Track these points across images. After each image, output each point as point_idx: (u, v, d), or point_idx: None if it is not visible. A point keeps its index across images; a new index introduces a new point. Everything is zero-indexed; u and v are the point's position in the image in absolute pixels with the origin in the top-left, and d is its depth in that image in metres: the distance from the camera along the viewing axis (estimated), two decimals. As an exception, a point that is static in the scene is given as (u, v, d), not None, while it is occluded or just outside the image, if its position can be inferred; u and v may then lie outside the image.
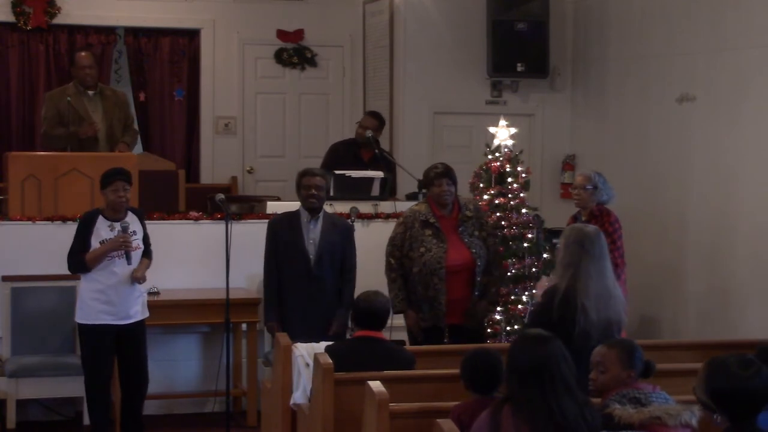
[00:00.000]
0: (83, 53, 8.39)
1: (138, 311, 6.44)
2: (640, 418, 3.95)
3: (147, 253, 6.48)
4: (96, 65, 8.49)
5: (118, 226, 6.30)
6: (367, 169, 8.23)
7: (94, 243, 6.29)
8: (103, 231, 6.30)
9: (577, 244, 5.03)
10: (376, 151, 8.48)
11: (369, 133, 8.43)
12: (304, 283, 6.69)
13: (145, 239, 6.49)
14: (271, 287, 6.76)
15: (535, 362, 3.81)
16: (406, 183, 8.72)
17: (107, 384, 6.50)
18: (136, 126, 8.63)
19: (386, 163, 8.48)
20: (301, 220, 6.78)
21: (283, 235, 6.76)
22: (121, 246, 6.27)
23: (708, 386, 3.50)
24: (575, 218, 7.32)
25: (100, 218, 6.34)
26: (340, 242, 6.79)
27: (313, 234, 6.74)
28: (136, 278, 6.35)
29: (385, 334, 5.50)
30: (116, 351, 6.44)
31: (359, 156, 8.52)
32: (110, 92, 8.42)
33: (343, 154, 8.55)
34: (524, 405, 3.76)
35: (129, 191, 6.34)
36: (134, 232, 6.37)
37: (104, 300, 6.31)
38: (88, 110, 8.17)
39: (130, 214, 6.39)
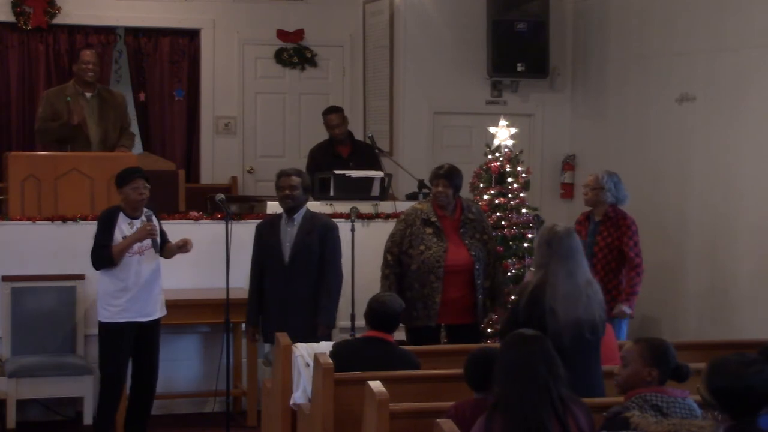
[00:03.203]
0: (88, 51, 8.36)
1: (157, 309, 6.52)
2: (659, 430, 3.78)
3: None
4: (99, 64, 8.44)
5: (137, 223, 6.35)
6: (348, 165, 8.24)
7: (117, 238, 6.35)
8: (124, 227, 6.37)
9: (545, 245, 5.01)
10: (377, 150, 8.48)
11: (370, 133, 8.45)
12: (280, 285, 6.71)
13: (163, 235, 6.58)
14: (252, 290, 6.83)
15: (513, 362, 3.90)
16: (407, 183, 8.72)
17: (123, 383, 6.55)
18: (132, 129, 8.59)
19: (370, 156, 8.48)
20: (281, 221, 6.80)
21: (265, 238, 6.81)
22: (148, 235, 6.33)
23: (710, 384, 3.51)
24: (587, 217, 7.30)
25: (121, 215, 6.39)
26: (317, 242, 6.74)
27: (289, 235, 6.75)
28: (185, 244, 6.48)
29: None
30: (133, 349, 6.51)
31: (337, 154, 8.54)
32: (107, 94, 8.34)
33: (322, 156, 8.56)
34: (503, 404, 3.83)
35: (148, 188, 6.38)
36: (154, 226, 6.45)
37: (127, 298, 6.37)
38: (85, 113, 8.11)
39: (146, 210, 6.45)
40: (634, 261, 7.06)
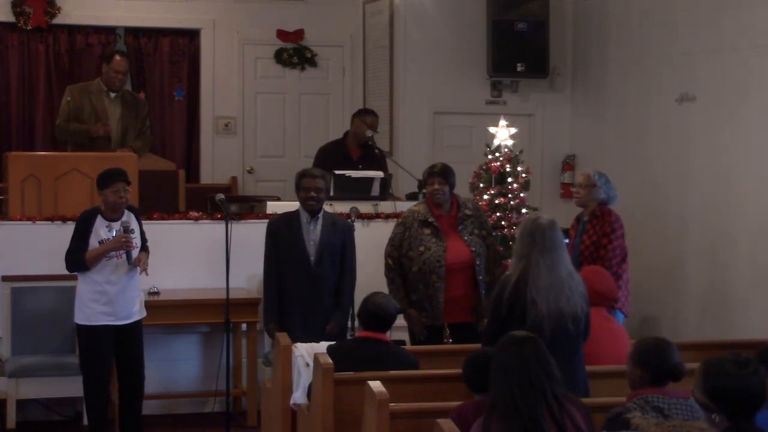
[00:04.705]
0: (119, 57, 8.36)
1: (136, 311, 6.45)
2: None
3: (144, 248, 6.50)
4: (127, 72, 8.50)
5: (116, 225, 6.30)
6: (357, 168, 8.21)
7: (93, 242, 6.29)
8: (101, 231, 6.30)
9: (528, 236, 5.01)
10: (377, 150, 8.47)
11: (369, 133, 8.39)
12: (304, 284, 6.68)
13: (142, 235, 6.51)
14: (270, 289, 6.74)
15: (507, 363, 3.92)
16: (406, 183, 8.72)
17: (106, 385, 6.50)
18: (150, 134, 8.62)
19: (377, 159, 8.45)
20: (301, 220, 6.77)
21: (283, 236, 6.74)
22: (122, 245, 6.27)
23: (705, 385, 3.50)
24: (578, 219, 7.33)
25: (99, 218, 6.34)
26: (340, 242, 6.77)
27: (313, 235, 6.73)
28: (138, 264, 6.34)
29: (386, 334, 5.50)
30: (114, 351, 6.46)
31: (348, 155, 8.48)
32: (131, 97, 8.45)
33: (333, 155, 8.51)
34: (500, 405, 3.86)
35: (129, 192, 6.34)
36: (132, 231, 6.38)
37: (104, 301, 6.31)
38: (107, 111, 8.19)
39: (127, 212, 6.39)
40: (613, 269, 6.91)
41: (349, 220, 7.12)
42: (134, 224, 6.43)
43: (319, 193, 6.72)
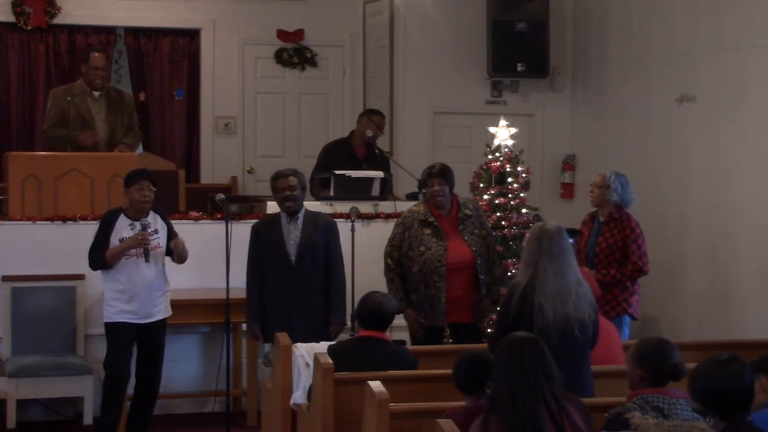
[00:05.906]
0: (97, 54, 8.32)
1: (161, 310, 6.52)
2: None
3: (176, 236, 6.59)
4: (109, 68, 8.46)
5: (138, 225, 6.33)
6: (362, 167, 8.20)
7: (114, 241, 6.36)
8: (123, 230, 6.36)
9: (535, 242, 5.01)
10: (376, 150, 8.46)
11: (369, 133, 8.38)
12: (287, 284, 6.68)
13: (172, 233, 6.55)
14: (253, 291, 6.76)
15: (506, 364, 3.93)
16: (406, 183, 8.72)
17: (125, 383, 6.55)
18: (138, 128, 8.61)
19: (382, 160, 8.45)
20: (281, 221, 6.77)
21: (265, 238, 6.76)
22: (139, 244, 6.32)
23: (690, 388, 3.54)
24: (593, 217, 7.30)
25: (122, 217, 6.40)
26: (322, 240, 6.74)
27: (293, 235, 6.72)
28: (176, 245, 6.45)
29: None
30: (136, 349, 6.52)
31: (354, 154, 8.48)
32: (116, 94, 8.37)
33: (337, 153, 8.51)
34: (498, 405, 3.86)
35: (153, 192, 6.37)
36: (155, 231, 6.43)
37: (126, 299, 6.38)
38: (92, 112, 8.14)
39: (151, 213, 6.45)
40: (638, 263, 7.03)
41: (350, 220, 7.11)
42: (158, 225, 6.48)
43: (294, 191, 6.69)
